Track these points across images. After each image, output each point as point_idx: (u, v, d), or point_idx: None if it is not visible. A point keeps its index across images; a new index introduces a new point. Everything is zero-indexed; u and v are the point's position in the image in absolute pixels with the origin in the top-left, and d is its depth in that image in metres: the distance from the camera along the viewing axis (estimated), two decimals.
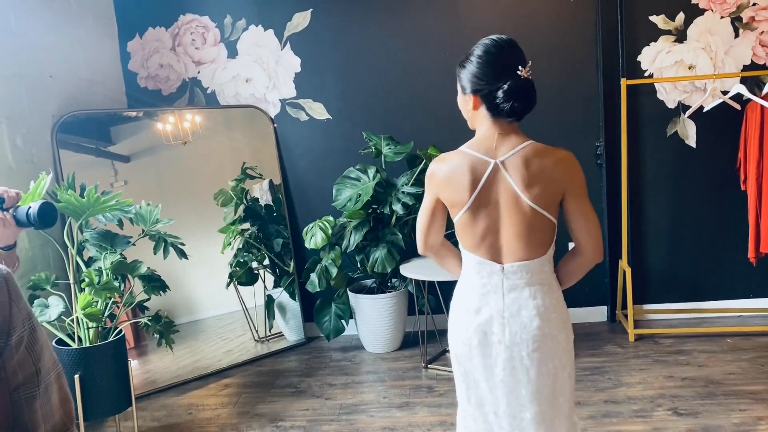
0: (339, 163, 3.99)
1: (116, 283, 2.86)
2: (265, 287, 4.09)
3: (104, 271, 2.83)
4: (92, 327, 2.78)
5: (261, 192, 4.09)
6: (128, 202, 2.75)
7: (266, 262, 4.11)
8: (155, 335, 3.01)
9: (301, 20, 4.03)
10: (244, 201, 3.99)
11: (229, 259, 3.93)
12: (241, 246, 3.98)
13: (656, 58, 3.94)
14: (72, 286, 2.82)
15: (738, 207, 3.91)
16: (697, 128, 3.98)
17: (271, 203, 4.12)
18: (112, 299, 2.87)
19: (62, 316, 2.77)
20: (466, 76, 1.72)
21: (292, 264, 4.15)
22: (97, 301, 2.76)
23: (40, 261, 3.09)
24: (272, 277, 4.14)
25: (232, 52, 4.08)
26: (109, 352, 2.77)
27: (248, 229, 4.01)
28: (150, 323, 2.99)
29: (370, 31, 4.02)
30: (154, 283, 3.03)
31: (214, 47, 4.08)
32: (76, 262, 2.87)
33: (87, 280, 2.74)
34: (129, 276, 2.99)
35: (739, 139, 3.80)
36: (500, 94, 1.65)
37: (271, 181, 4.12)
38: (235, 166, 4.00)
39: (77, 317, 2.74)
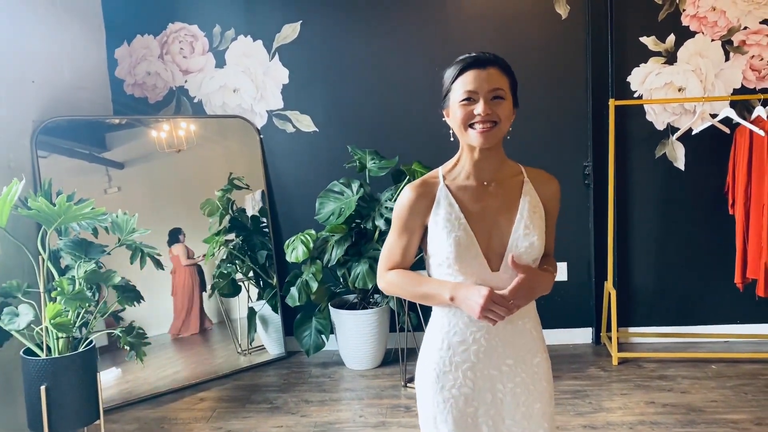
0: (324, 176, 3.95)
1: (89, 293, 2.81)
2: (249, 299, 4.05)
3: (77, 280, 2.78)
4: (62, 337, 2.73)
5: (253, 202, 4.06)
6: (101, 210, 2.70)
7: (250, 274, 4.06)
8: (126, 347, 2.95)
9: (290, 32, 4.01)
10: (230, 211, 3.96)
11: (213, 270, 3.90)
12: (224, 257, 3.94)
13: (646, 80, 3.91)
14: (42, 294, 2.77)
15: (725, 231, 3.86)
16: (685, 151, 3.95)
17: (258, 214, 4.08)
18: (85, 309, 2.82)
19: (32, 325, 2.72)
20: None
21: (275, 276, 4.10)
22: (68, 311, 2.71)
23: (14, 268, 3.04)
24: (256, 289, 4.10)
25: (220, 62, 4.06)
26: (78, 362, 2.72)
27: (232, 240, 3.97)
28: (121, 335, 2.94)
29: (359, 45, 4.01)
30: (128, 294, 2.97)
31: (202, 56, 4.06)
32: (48, 269, 2.83)
33: (58, 289, 2.69)
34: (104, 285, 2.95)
35: (727, 162, 3.78)
36: None
37: (263, 192, 4.09)
38: (224, 176, 3.97)
39: (46, 326, 2.68)
